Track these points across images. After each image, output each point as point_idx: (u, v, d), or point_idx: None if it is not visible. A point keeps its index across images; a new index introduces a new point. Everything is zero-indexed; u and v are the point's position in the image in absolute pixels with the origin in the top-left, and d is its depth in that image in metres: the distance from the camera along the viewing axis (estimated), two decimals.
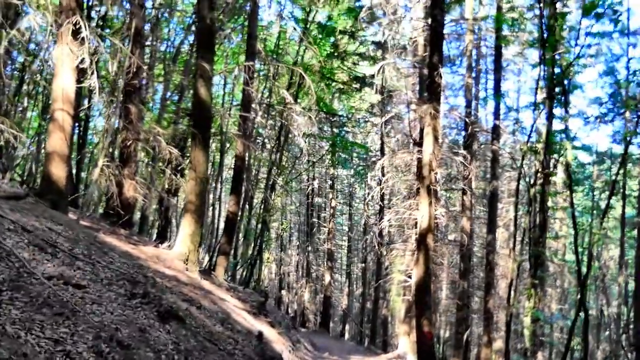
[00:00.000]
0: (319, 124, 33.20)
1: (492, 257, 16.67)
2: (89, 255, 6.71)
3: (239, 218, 15.51)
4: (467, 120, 16.01)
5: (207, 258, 20.36)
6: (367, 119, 31.76)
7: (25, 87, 15.36)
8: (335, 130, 33.24)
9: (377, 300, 29.01)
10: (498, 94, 16.26)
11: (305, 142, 30.79)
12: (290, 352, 11.71)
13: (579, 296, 11.53)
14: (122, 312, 5.34)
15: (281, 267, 40.01)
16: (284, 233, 39.46)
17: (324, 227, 37.22)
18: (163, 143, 11.96)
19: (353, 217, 40.68)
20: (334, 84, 29.22)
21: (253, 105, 14.69)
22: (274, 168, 17.97)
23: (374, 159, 34.01)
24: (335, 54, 28.60)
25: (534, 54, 29.63)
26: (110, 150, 13.11)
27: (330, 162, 34.38)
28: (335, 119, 32.13)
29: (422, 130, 17.38)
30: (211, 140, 13.47)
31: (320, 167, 36.84)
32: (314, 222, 37.11)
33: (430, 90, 11.68)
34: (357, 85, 29.31)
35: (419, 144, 12.65)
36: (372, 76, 29.70)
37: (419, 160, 14.23)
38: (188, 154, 13.99)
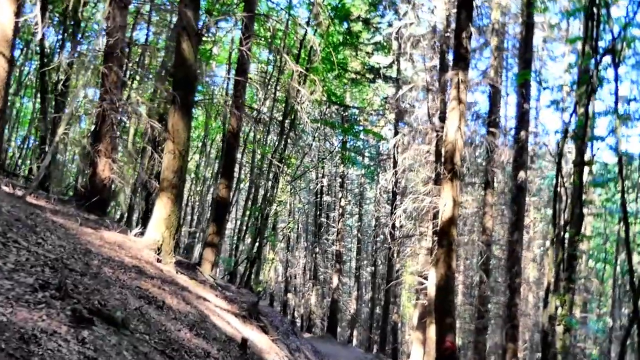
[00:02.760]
0: (329, 117, 31.55)
1: (519, 258, 14.73)
2: (2, 233, 4.97)
3: (231, 205, 13.69)
4: (492, 89, 14.11)
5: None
6: (380, 113, 29.92)
7: None
8: (346, 125, 31.55)
9: (387, 304, 27.12)
10: (527, 70, 14.33)
11: (314, 132, 29.19)
12: None
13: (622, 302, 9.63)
14: (12, 308, 3.58)
15: (287, 269, 38.37)
16: (291, 233, 37.76)
17: (333, 227, 35.47)
18: (144, 115, 10.22)
19: (363, 219, 38.89)
20: (346, 74, 27.44)
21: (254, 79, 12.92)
22: (277, 154, 16.14)
23: (385, 156, 32.37)
24: (348, 42, 26.85)
25: (559, 48, 27.74)
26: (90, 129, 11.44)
27: (340, 159, 32.70)
28: (347, 113, 30.41)
29: (442, 114, 15.63)
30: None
31: (329, 165, 35.17)
32: (322, 222, 35.37)
33: (457, 55, 9.87)
34: (371, 76, 27.52)
35: (442, 118, 10.82)
36: (388, 66, 27.99)
37: (438, 142, 12.42)
38: None
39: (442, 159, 9.72)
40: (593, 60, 11.47)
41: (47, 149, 9.34)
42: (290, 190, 30.85)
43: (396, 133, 23.96)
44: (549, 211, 33.79)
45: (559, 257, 10.61)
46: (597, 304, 29.72)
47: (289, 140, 17.41)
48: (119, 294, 5.58)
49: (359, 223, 38.13)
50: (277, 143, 16.43)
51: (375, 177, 34.50)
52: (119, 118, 11.05)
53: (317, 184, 34.23)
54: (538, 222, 33.57)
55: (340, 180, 33.45)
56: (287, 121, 16.10)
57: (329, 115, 30.29)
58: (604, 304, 29.39)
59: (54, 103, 11.14)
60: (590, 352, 23.07)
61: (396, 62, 27.43)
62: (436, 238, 12.45)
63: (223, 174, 12.00)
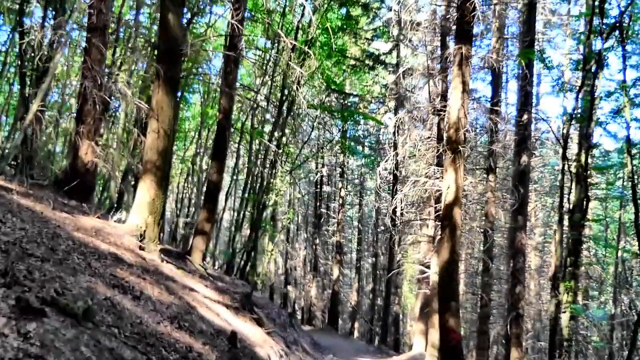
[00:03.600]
0: (330, 112, 30.96)
1: (523, 244, 14.14)
2: None
3: (221, 190, 13.09)
4: (494, 73, 13.49)
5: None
6: (381, 100, 29.25)
7: None
8: (345, 114, 30.93)
9: (388, 295, 26.59)
10: (531, 49, 13.68)
11: (313, 121, 28.58)
12: (281, 357, 9.36)
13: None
14: None
15: (287, 261, 37.89)
16: (290, 224, 37.25)
17: (333, 218, 34.94)
18: (129, 95, 9.62)
19: (363, 209, 38.33)
20: (345, 60, 26.76)
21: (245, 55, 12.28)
22: (274, 140, 15.53)
23: (385, 144, 31.70)
24: (347, 26, 26.16)
25: (559, 36, 27.10)
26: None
27: (340, 149, 32.13)
28: (346, 101, 29.81)
29: (444, 94, 15.00)
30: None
31: (329, 155, 34.61)
32: (322, 213, 34.83)
33: (460, 29, 9.25)
34: (371, 63, 26.83)
35: (444, 97, 10.22)
36: (388, 52, 27.30)
37: (440, 123, 11.83)
38: None
39: (445, 139, 9.12)
40: (599, 39, 10.89)
41: (19, 126, 8.73)
42: (290, 180, 30.33)
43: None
44: (550, 200, 33.27)
45: (568, 242, 10.07)
46: (598, 290, 29.24)
47: (286, 126, 16.78)
48: (88, 283, 5.02)
49: (360, 213, 37.61)
50: (273, 128, 15.80)
51: (376, 167, 33.96)
52: (103, 98, 10.46)
53: (316, 174, 33.69)
54: (539, 210, 33.05)
55: (340, 170, 32.87)
56: (284, 104, 15.45)
57: (328, 103, 29.72)
58: (605, 291, 28.90)
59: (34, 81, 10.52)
60: (593, 339, 22.57)
61: (396, 49, 26.78)
62: (439, 223, 11.89)
63: (214, 157, 11.38)
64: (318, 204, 34.36)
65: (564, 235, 11.11)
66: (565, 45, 24.72)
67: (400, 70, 21.77)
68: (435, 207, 12.14)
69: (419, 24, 22.33)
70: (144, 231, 8.05)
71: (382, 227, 34.74)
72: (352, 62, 26.81)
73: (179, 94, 19.84)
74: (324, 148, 31.03)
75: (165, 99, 8.07)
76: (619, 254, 24.09)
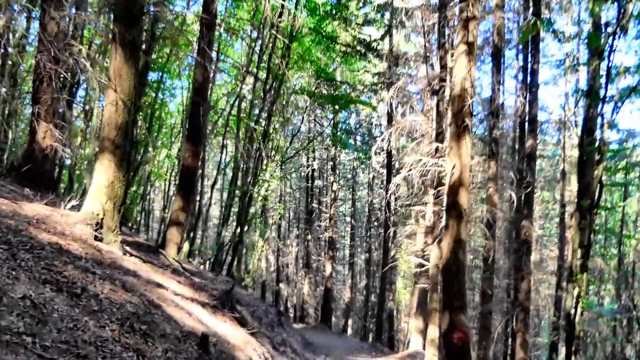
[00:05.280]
0: (319, 98, 29.91)
1: (529, 233, 13.10)
2: None
3: (199, 175, 11.95)
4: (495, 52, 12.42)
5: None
6: (373, 89, 28.06)
7: None
8: (337, 106, 29.83)
9: (383, 291, 25.49)
10: (540, 18, 12.57)
11: (303, 112, 27.50)
12: None
13: None
14: None
15: (279, 258, 36.80)
16: (281, 220, 36.20)
17: (325, 213, 33.83)
18: (90, 69, 8.46)
19: (356, 205, 37.25)
20: (336, 46, 25.61)
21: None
22: (261, 129, 14.41)
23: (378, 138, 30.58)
24: (337, 13, 25.02)
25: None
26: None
27: (331, 141, 31.05)
28: (337, 92, 28.64)
29: (442, 78, 13.90)
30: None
31: (320, 147, 33.54)
32: (314, 208, 33.75)
33: None
34: (362, 49, 25.64)
35: (442, 79, 9.13)
36: (380, 39, 26.12)
37: (438, 104, 10.78)
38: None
39: (450, 112, 8.05)
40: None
41: None
42: (280, 174, 29.26)
43: (390, 111, 22.13)
44: (546, 194, 32.37)
45: (585, 232, 9.03)
46: (598, 285, 28.43)
47: (274, 109, 15.62)
48: (5, 278, 3.89)
49: (352, 209, 36.53)
50: (260, 109, 14.64)
51: (369, 161, 32.95)
52: (61, 74, 9.30)
53: (307, 167, 32.63)
54: (537, 203, 32.09)
55: (331, 163, 31.73)
56: (269, 80, 14.25)
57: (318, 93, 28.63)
58: (607, 285, 28.10)
59: None
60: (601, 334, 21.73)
61: (388, 36, 25.64)
62: (439, 209, 10.85)
63: (188, 137, 10.20)
64: (309, 199, 33.30)
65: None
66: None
67: (396, 33, 20.69)
68: (437, 191, 11.04)
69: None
70: (102, 219, 6.90)
71: (376, 223, 33.82)
72: (343, 48, 25.62)
73: (160, 76, 18.69)
74: (315, 139, 29.89)
75: (124, 65, 6.91)
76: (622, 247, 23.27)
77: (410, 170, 9.88)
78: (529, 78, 15.23)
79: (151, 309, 5.70)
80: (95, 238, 6.67)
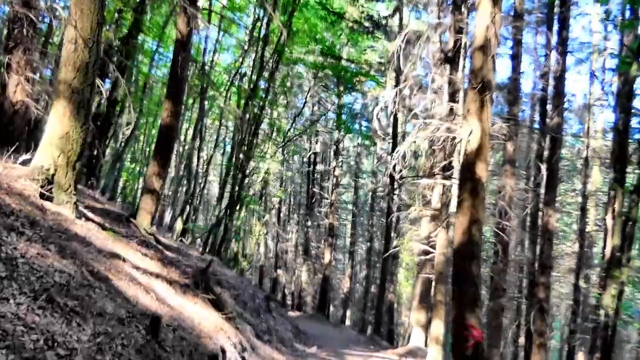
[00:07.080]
0: (325, 79, 28.78)
1: (551, 223, 11.88)
2: None
3: (175, 135, 10.79)
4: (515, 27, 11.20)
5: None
6: (380, 70, 26.78)
7: None
8: (342, 87, 28.67)
9: (383, 282, 24.36)
10: None
11: (307, 94, 26.36)
12: (242, 352, 7.14)
13: None
14: None
15: (278, 244, 35.81)
16: (282, 206, 35.18)
17: (326, 199, 32.68)
18: (63, 14, 7.37)
19: (359, 192, 36.10)
20: (342, 22, 24.36)
21: None
22: (259, 99, 13.26)
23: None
24: None
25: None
26: None
27: (335, 125, 29.91)
28: (343, 73, 27.38)
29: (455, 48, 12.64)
30: None
31: (324, 132, 32.34)
32: (315, 193, 32.64)
33: None
34: (370, 26, 24.38)
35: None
36: (389, 16, 24.83)
37: (452, 72, 9.68)
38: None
39: (470, 70, 6.87)
40: None
41: None
42: (281, 156, 28.19)
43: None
44: (562, 186, 31.10)
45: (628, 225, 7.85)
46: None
47: (274, 79, 14.45)
48: None
49: (355, 196, 35.40)
50: (257, 75, 13.46)
51: (373, 147, 31.83)
52: (32, 20, 8.18)
53: (309, 149, 31.52)
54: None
55: (334, 147, 30.55)
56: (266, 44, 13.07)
57: (323, 74, 27.49)
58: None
59: None
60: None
61: (398, 12, 24.35)
62: (450, 184, 9.70)
63: (168, 94, 9.02)
64: (310, 184, 32.24)
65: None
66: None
67: (403, 33, 19.30)
68: (448, 161, 9.83)
69: None
70: (52, 175, 5.78)
71: (379, 213, 32.66)
72: (350, 24, 24.35)
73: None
74: (318, 120, 28.72)
75: None
76: None
77: (418, 133, 8.68)
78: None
79: (92, 281, 4.58)
80: (42, 196, 5.56)
